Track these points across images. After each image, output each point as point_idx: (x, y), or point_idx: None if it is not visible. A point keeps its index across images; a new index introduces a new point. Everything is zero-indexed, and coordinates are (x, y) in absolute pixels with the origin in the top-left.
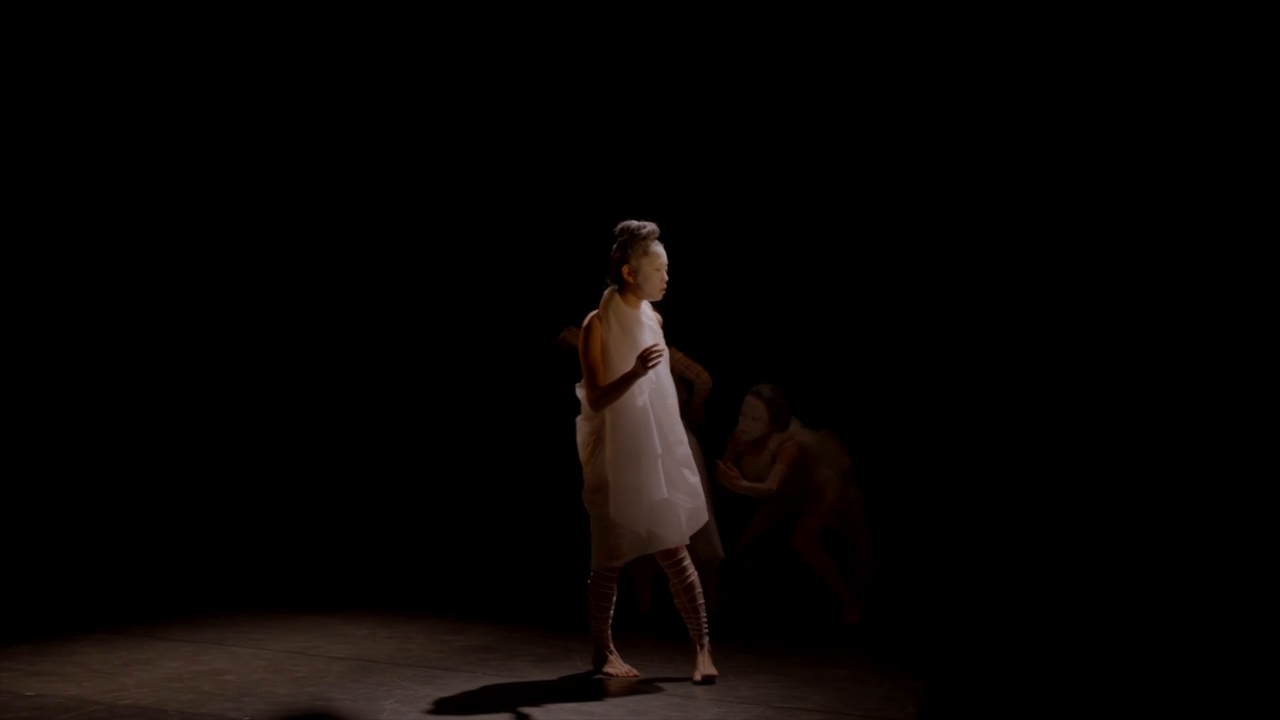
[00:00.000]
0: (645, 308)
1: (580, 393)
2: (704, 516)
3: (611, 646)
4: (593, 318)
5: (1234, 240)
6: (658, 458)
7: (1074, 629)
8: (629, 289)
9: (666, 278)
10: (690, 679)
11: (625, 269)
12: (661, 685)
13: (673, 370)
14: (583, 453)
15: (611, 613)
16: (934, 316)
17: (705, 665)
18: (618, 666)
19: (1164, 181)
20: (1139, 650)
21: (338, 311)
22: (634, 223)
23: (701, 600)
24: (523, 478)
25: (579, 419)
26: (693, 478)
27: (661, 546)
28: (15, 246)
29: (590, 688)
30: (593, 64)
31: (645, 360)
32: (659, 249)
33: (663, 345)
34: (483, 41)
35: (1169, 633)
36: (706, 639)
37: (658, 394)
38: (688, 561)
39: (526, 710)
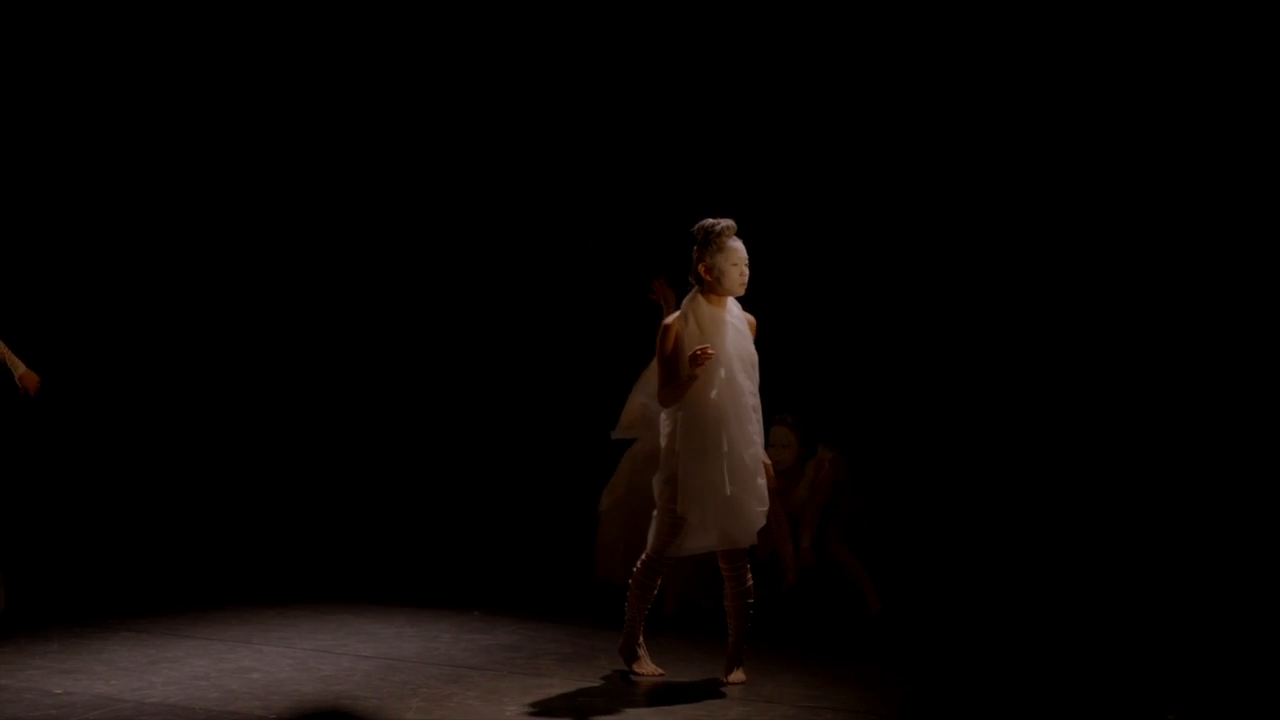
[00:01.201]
0: (733, 307)
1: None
2: (763, 521)
3: (642, 641)
4: (671, 318)
5: (1234, 241)
6: (723, 455)
7: (1068, 632)
8: (709, 287)
9: (746, 272)
10: (716, 679)
11: (702, 267)
12: (687, 684)
13: None
14: (663, 444)
15: (649, 608)
16: (923, 323)
17: (737, 674)
18: (645, 666)
19: (1159, 192)
20: (1134, 652)
21: (359, 306)
22: (710, 220)
23: (752, 611)
24: (549, 474)
25: (663, 414)
26: (761, 481)
27: (730, 545)
28: (17, 248)
29: (616, 686)
30: (596, 69)
31: (693, 361)
32: (736, 244)
33: (745, 347)
34: (486, 41)
35: (1164, 636)
36: (744, 649)
37: (729, 393)
38: (748, 569)
39: (552, 709)
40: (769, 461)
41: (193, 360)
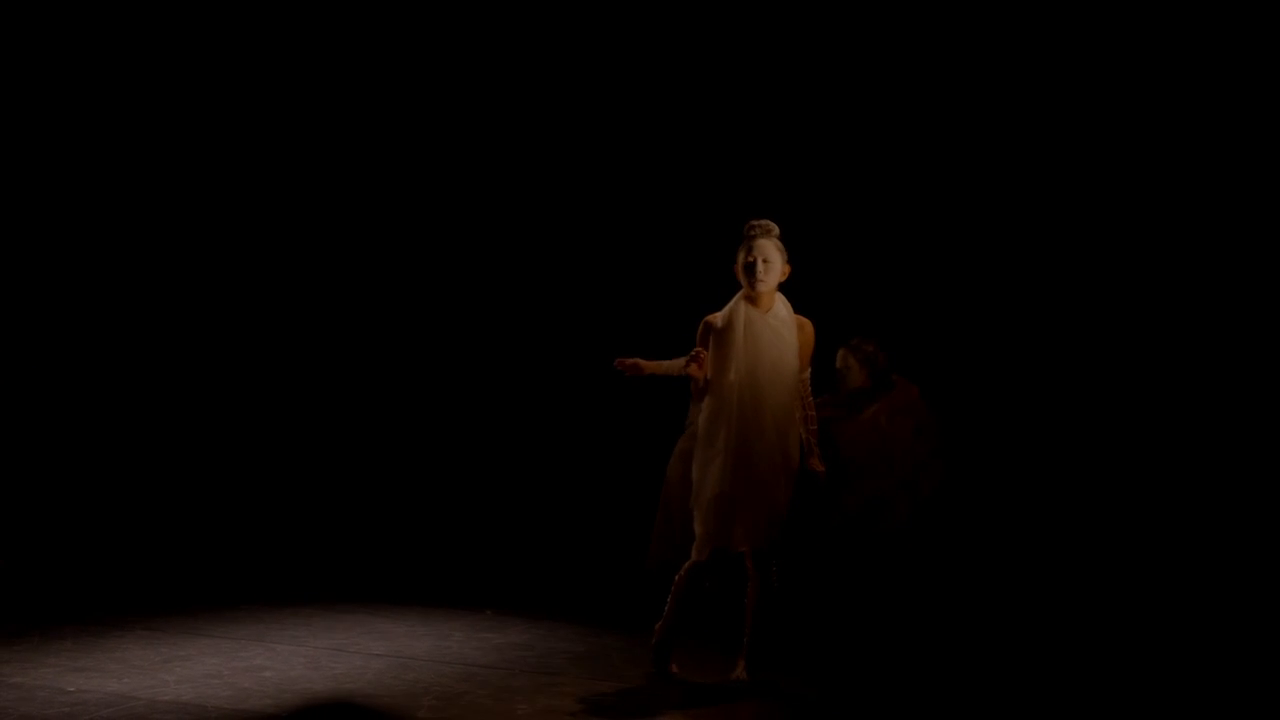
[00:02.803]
0: (780, 310)
1: None
2: (771, 532)
3: (672, 644)
4: (713, 315)
5: (1235, 241)
6: (731, 454)
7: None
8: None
9: (760, 269)
10: (728, 676)
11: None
12: (700, 683)
13: None
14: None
15: (685, 608)
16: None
17: (743, 671)
18: (665, 668)
19: (1159, 182)
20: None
21: (368, 305)
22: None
23: (770, 613)
24: (564, 474)
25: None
26: (773, 491)
27: (721, 544)
28: (20, 249)
29: (628, 685)
30: (595, 66)
31: (688, 361)
32: (757, 244)
33: (778, 351)
34: (487, 41)
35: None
36: (757, 648)
37: (747, 395)
38: (773, 571)
39: (564, 708)
40: (820, 467)
41: (211, 360)
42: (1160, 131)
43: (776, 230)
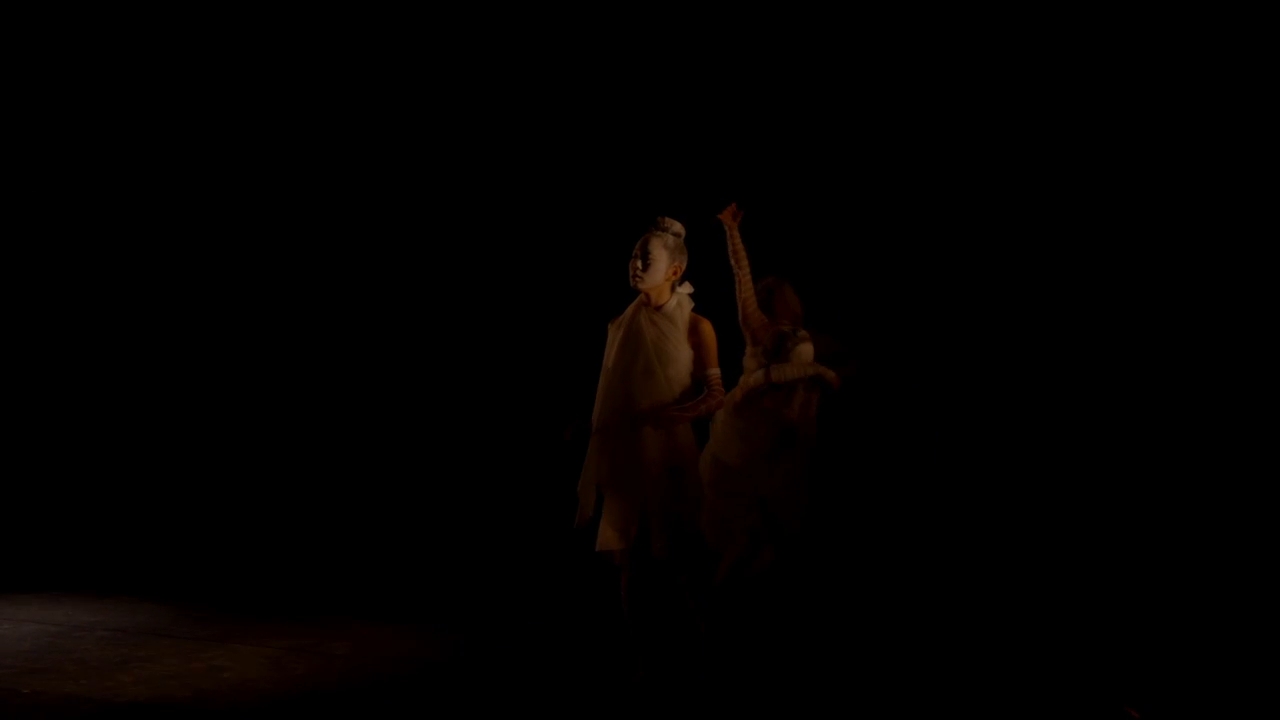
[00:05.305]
0: (670, 308)
1: None
2: (623, 542)
3: (646, 647)
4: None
5: (1234, 241)
6: (595, 445)
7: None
8: None
9: (632, 266)
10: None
11: None
12: (668, 686)
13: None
14: None
15: (633, 610)
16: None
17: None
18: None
19: (1149, 175)
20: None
21: (349, 315)
22: None
23: (703, 624)
24: (534, 483)
25: None
26: (648, 490)
27: (607, 547)
28: (23, 251)
29: (584, 685)
30: (590, 64)
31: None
32: (645, 241)
33: (649, 354)
34: (486, 40)
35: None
36: (712, 656)
37: (621, 390)
38: (700, 589)
39: (525, 703)
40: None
41: (183, 374)
42: (1147, 123)
43: (675, 229)
